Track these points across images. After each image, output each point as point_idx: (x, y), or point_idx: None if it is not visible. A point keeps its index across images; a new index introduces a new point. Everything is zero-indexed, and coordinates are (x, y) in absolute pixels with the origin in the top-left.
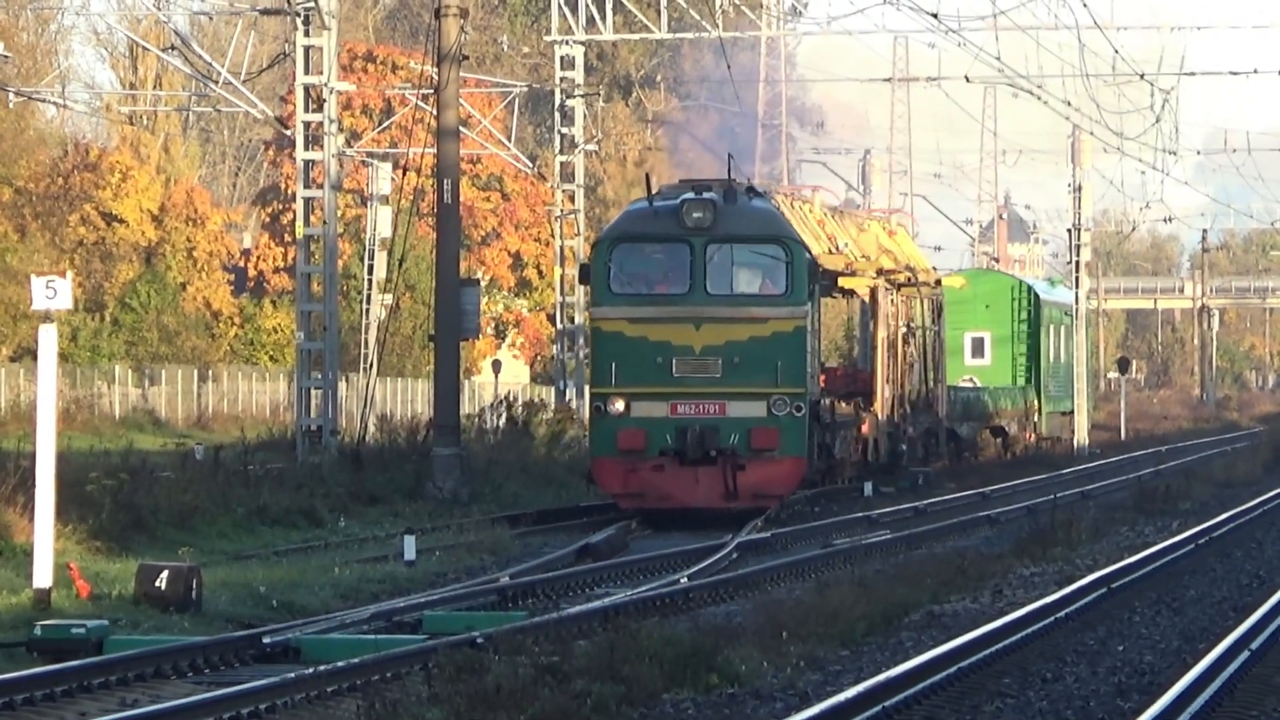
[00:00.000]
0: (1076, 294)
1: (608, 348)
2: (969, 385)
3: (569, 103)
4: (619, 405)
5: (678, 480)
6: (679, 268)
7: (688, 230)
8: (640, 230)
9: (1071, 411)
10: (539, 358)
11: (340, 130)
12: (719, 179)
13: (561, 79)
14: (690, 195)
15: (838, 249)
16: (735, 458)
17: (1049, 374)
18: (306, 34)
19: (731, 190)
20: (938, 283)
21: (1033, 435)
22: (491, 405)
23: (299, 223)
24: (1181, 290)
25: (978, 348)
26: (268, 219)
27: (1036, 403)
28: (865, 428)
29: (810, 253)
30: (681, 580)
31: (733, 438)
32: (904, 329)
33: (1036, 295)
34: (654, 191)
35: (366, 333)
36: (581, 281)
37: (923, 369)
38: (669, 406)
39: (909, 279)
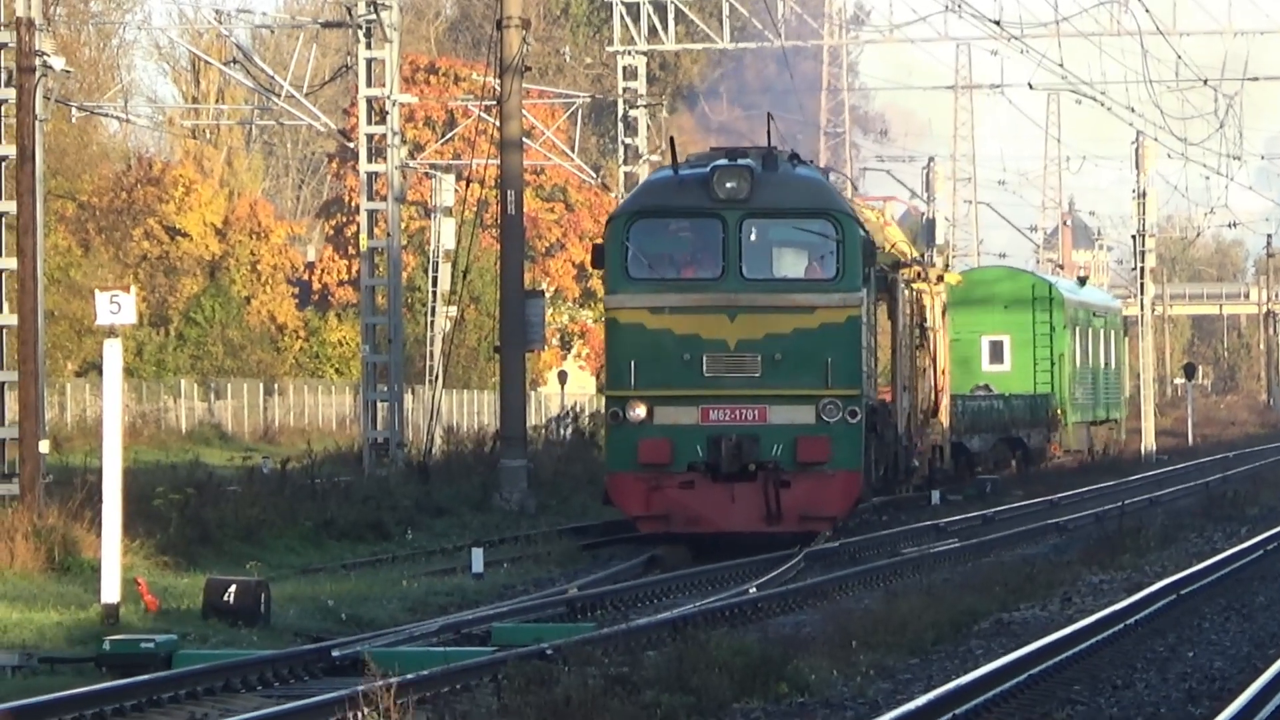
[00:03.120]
0: (1142, 301)
1: (626, 343)
2: (982, 393)
3: (632, 113)
4: (640, 411)
5: (710, 499)
6: (709, 247)
7: (719, 203)
8: (663, 203)
9: (1105, 421)
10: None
11: (403, 142)
12: (757, 146)
13: (624, 89)
14: (723, 162)
15: None
16: (778, 472)
17: (1075, 380)
18: (368, 46)
19: (771, 156)
20: (940, 278)
21: (1057, 448)
22: (558, 416)
23: (363, 235)
24: (1247, 296)
25: (996, 352)
26: (331, 232)
27: (1060, 412)
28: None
29: (865, 229)
30: (750, 590)
31: (775, 449)
32: (918, 329)
33: (1061, 295)
34: (680, 159)
35: (431, 345)
36: (595, 265)
37: (933, 374)
38: (699, 412)
39: (919, 273)
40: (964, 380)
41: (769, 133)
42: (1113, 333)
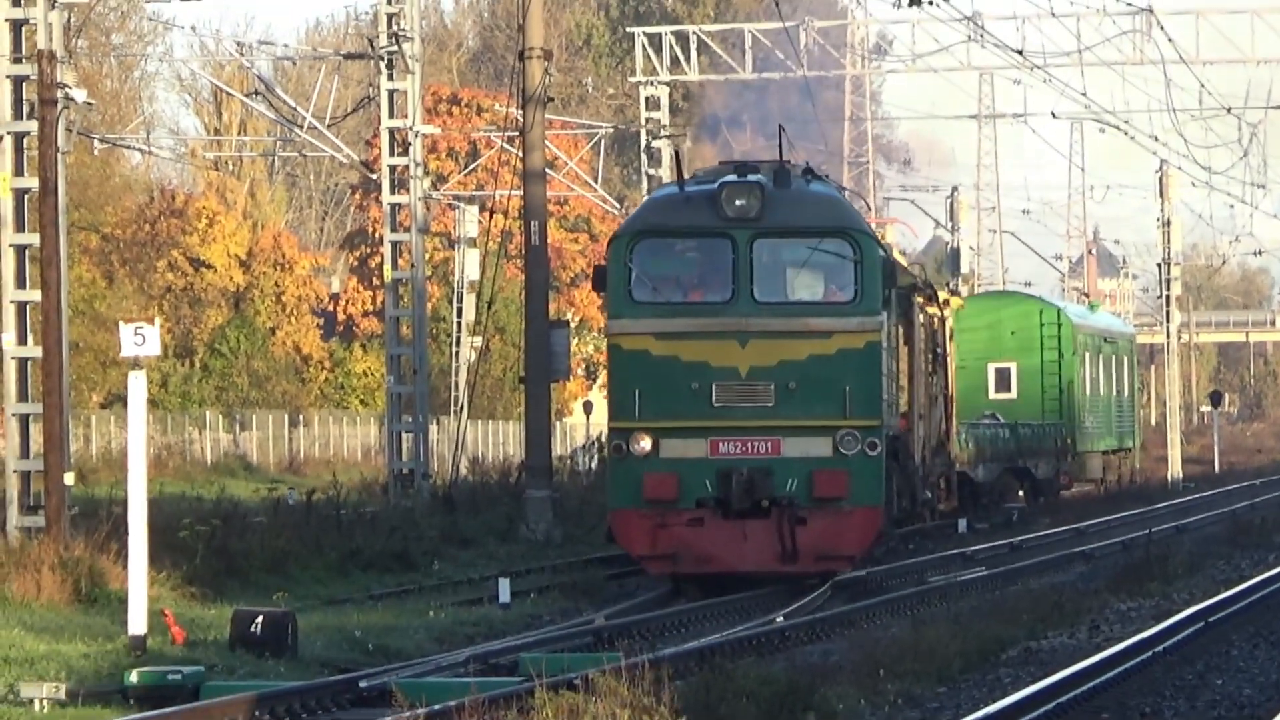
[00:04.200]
0: (1168, 329)
1: (630, 371)
2: (989, 421)
3: (655, 143)
4: (645, 443)
5: (720, 538)
6: (718, 269)
7: (729, 221)
8: (669, 222)
9: (1118, 450)
10: None
11: (426, 173)
12: (768, 160)
13: (647, 119)
14: (731, 178)
15: None
16: (793, 509)
17: (1085, 409)
18: (390, 78)
19: (784, 171)
20: (946, 302)
21: (1067, 479)
22: (583, 446)
23: (387, 266)
24: (1273, 323)
25: (1003, 380)
26: (355, 263)
27: (1070, 441)
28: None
29: (885, 249)
30: (777, 619)
31: (790, 483)
32: (932, 354)
33: (1070, 321)
34: (688, 175)
35: (456, 375)
36: (596, 288)
37: (945, 402)
38: (708, 445)
39: (930, 296)
40: (969, 409)
41: (780, 146)
42: (1125, 359)
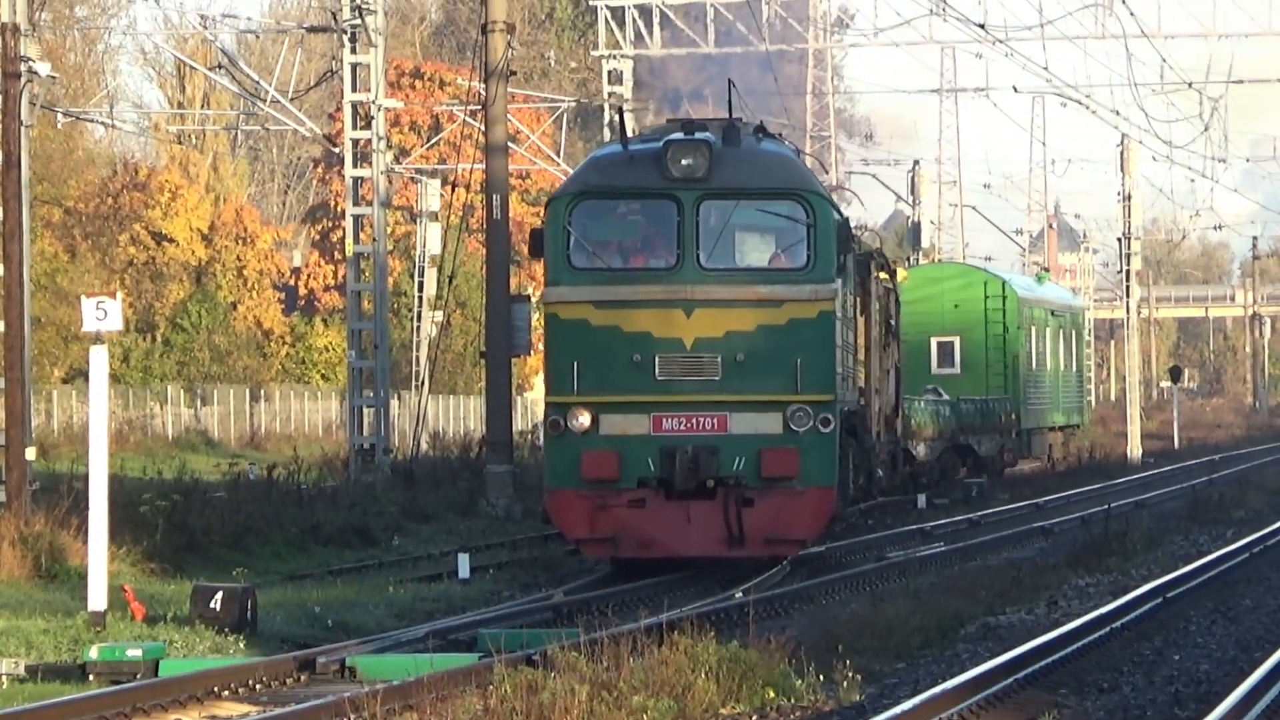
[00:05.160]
0: (1128, 304)
1: (567, 341)
2: (931, 397)
3: (617, 117)
4: (583, 419)
5: (663, 520)
6: (662, 233)
7: (674, 182)
8: (610, 183)
9: (1065, 427)
10: None
11: (389, 147)
12: (718, 119)
13: (610, 93)
14: (678, 136)
15: None
16: (740, 489)
17: (1031, 384)
18: (354, 51)
19: (733, 129)
20: (893, 272)
21: (1012, 457)
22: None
23: (348, 240)
24: (1233, 298)
25: (946, 354)
26: (317, 237)
27: (1014, 417)
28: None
29: (840, 212)
30: (736, 595)
31: (737, 462)
32: (885, 325)
33: (1015, 293)
34: (631, 135)
35: (418, 350)
36: (533, 255)
37: (896, 376)
38: (650, 421)
39: (882, 264)
40: (911, 384)
41: (730, 101)
42: (1074, 333)
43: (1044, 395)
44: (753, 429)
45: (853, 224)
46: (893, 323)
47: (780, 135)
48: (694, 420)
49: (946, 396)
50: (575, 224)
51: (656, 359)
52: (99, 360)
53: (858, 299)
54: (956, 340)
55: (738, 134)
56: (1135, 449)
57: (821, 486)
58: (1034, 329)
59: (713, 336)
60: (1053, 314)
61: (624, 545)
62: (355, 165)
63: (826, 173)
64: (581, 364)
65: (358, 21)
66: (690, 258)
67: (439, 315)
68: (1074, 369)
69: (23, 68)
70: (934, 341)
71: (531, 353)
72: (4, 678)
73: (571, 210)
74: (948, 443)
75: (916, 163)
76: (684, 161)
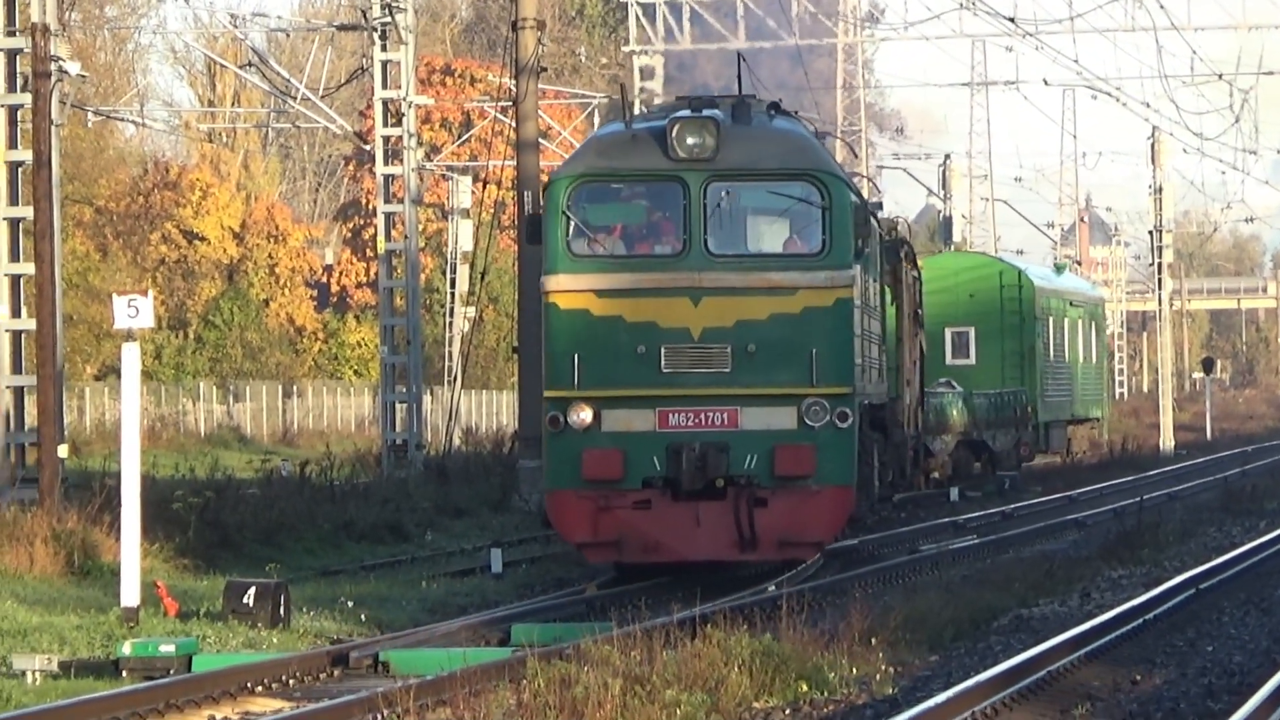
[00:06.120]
0: (1160, 296)
1: (568, 333)
2: (944, 389)
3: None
4: (584, 415)
5: (669, 522)
6: (667, 217)
7: (679, 163)
8: (612, 164)
9: (1084, 420)
10: None
11: (420, 144)
12: (728, 95)
13: (640, 89)
14: (684, 113)
15: None
16: (752, 489)
17: (1048, 376)
18: (384, 49)
19: (744, 106)
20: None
21: (1028, 450)
22: None
23: (380, 238)
24: (1265, 290)
25: (960, 345)
26: (349, 234)
27: (1031, 410)
28: None
29: (857, 193)
30: (769, 588)
31: (749, 460)
32: (914, 316)
33: (1032, 283)
34: (637, 113)
35: (450, 346)
36: (531, 241)
37: (920, 368)
38: (656, 416)
39: (909, 253)
40: (926, 375)
41: (739, 77)
42: (1093, 324)
43: (1063, 387)
44: (765, 424)
45: (883, 212)
46: (920, 313)
47: (796, 113)
48: (702, 415)
49: (960, 389)
50: (575, 208)
51: (662, 351)
52: (130, 358)
53: (888, 287)
54: (972, 331)
55: (748, 111)
56: (1168, 441)
57: (839, 485)
58: (1052, 320)
59: (722, 326)
60: (1071, 304)
61: (628, 549)
62: (386, 162)
63: (856, 156)
64: (582, 357)
65: (388, 19)
66: (697, 243)
67: (471, 311)
68: (1093, 360)
69: (53, 67)
70: (949, 332)
71: None
72: (37, 674)
73: (571, 194)
74: (960, 438)
75: (947, 156)
76: (690, 141)
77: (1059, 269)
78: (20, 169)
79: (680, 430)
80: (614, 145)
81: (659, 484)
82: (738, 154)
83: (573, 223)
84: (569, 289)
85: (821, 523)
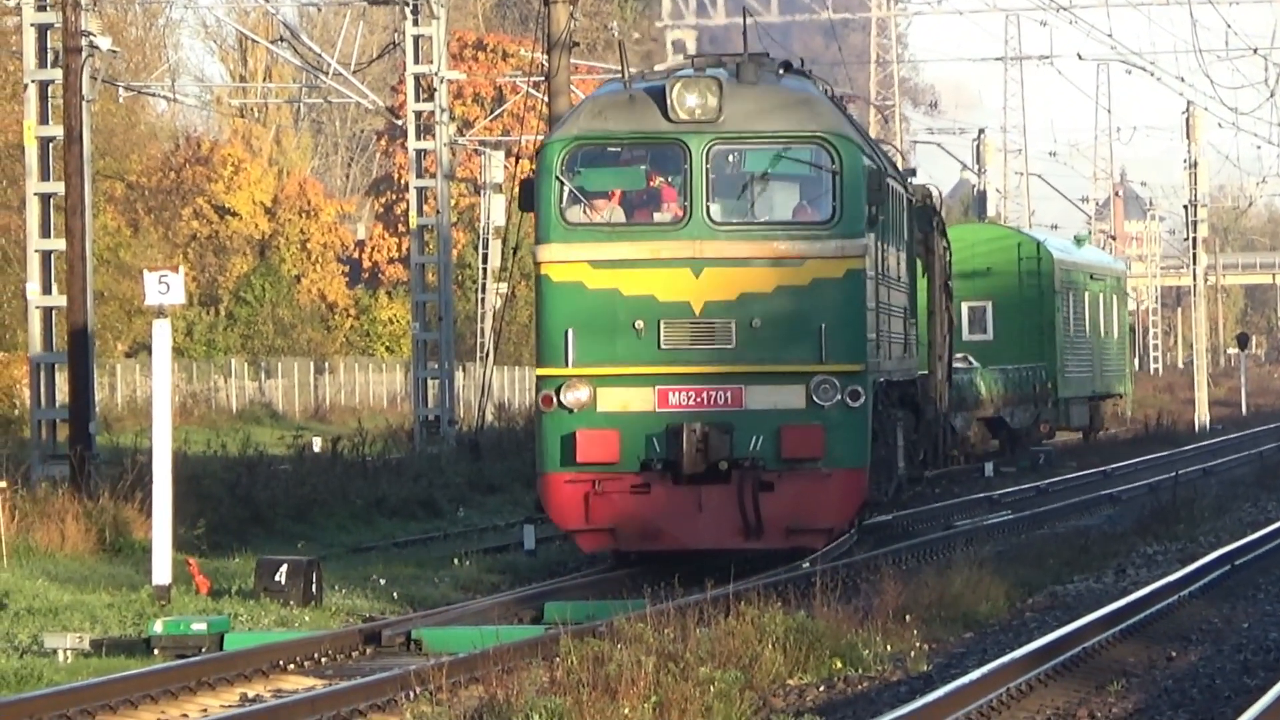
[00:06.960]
0: (1194, 271)
1: (561, 306)
2: (962, 365)
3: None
4: (580, 394)
5: (669, 508)
6: (667, 183)
7: (680, 124)
8: (609, 126)
9: (1106, 396)
10: None
11: (452, 119)
12: (735, 54)
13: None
14: (686, 72)
15: None
16: (758, 472)
17: (1068, 351)
18: (416, 23)
19: (749, 65)
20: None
21: (1048, 427)
22: None
23: (412, 213)
24: None
25: (977, 319)
26: (381, 209)
27: (1051, 387)
28: None
29: (872, 156)
30: (803, 565)
31: (754, 442)
32: (946, 289)
33: (1051, 255)
34: (636, 72)
35: (482, 322)
36: (523, 208)
37: (950, 341)
38: (655, 395)
39: (940, 223)
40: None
41: (744, 35)
42: (1115, 297)
43: (1084, 362)
44: (771, 404)
45: (914, 179)
46: (951, 285)
47: (810, 73)
48: (704, 394)
49: (976, 364)
50: (568, 173)
51: (661, 325)
52: (161, 334)
53: (919, 258)
54: (989, 305)
55: (754, 70)
56: (1203, 416)
57: (850, 468)
58: (1072, 293)
59: (725, 300)
60: (1092, 277)
61: (624, 537)
62: (418, 138)
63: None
64: (576, 331)
65: None
66: (699, 211)
67: (503, 287)
68: (1115, 335)
69: (83, 42)
70: (965, 306)
71: None
72: (69, 652)
73: (564, 158)
74: (976, 415)
75: (981, 131)
76: (691, 101)
77: (1079, 241)
78: (51, 144)
79: (680, 410)
80: (610, 106)
81: (658, 467)
82: (742, 115)
83: (566, 189)
84: (562, 259)
85: (831, 508)
